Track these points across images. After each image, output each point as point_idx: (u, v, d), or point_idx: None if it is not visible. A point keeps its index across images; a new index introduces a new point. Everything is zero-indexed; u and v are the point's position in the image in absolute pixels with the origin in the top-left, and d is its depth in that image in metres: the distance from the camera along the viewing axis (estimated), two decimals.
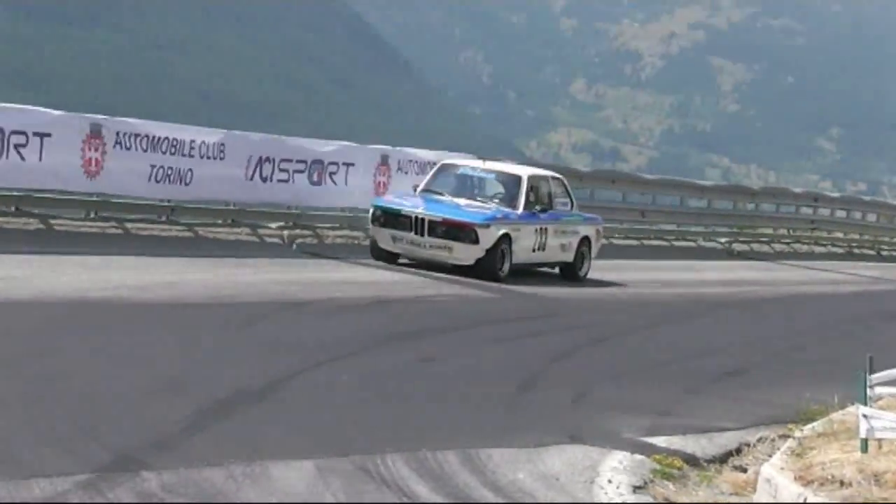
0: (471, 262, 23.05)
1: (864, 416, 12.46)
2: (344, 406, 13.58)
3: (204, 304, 18.50)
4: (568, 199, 26.12)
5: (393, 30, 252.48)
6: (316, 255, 26.28)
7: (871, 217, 49.66)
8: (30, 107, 25.11)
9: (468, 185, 24.82)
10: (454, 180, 24.93)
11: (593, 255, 26.47)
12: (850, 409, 13.40)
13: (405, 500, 10.42)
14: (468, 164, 26.14)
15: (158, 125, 25.93)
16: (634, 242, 36.82)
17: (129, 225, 25.17)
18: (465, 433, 12.84)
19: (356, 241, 28.11)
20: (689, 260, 36.29)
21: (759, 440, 14.78)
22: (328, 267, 25.13)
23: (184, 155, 25.79)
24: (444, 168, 25.53)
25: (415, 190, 25.13)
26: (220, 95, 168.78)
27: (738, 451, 14.43)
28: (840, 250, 45.02)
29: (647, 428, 14.53)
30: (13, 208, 24.11)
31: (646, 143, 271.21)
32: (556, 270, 25.61)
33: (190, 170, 25.85)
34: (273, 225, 27.89)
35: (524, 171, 25.42)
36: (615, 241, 36.05)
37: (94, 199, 24.96)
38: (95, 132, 24.86)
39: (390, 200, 24.40)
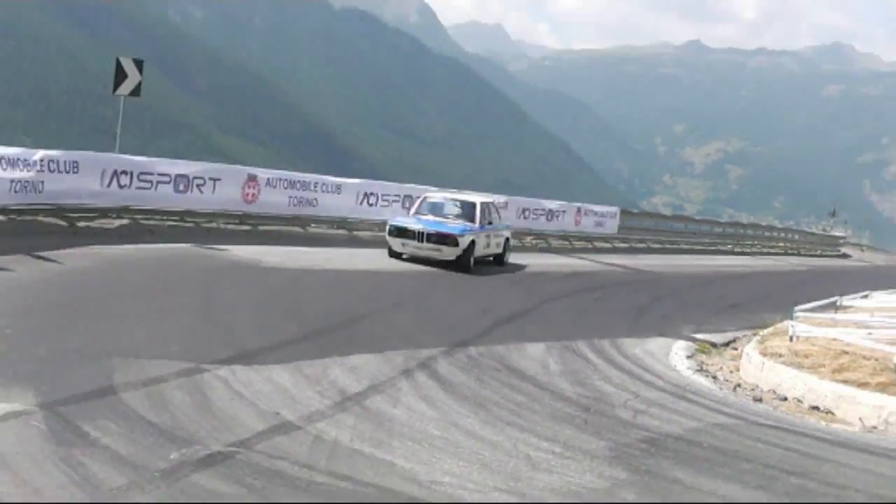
0: (453, 258, 17.58)
1: (792, 325, 12.19)
2: (558, 319, 13.44)
3: (494, 274, 18.28)
4: (498, 216, 20.02)
5: (578, 146, 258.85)
6: (545, 250, 25.84)
7: (797, 237, 48.41)
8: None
9: (443, 209, 18.93)
10: (433, 206, 19.11)
11: (510, 248, 20.38)
12: (786, 322, 12.81)
13: (584, 362, 10.24)
14: (441, 194, 20.18)
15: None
16: (689, 247, 35.69)
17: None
18: (612, 332, 12.65)
19: (568, 244, 27.71)
20: (714, 256, 35.00)
21: (743, 336, 14.21)
22: (551, 256, 24.41)
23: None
24: (427, 198, 19.55)
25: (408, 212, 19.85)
26: (498, 177, 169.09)
27: (734, 340, 13.92)
28: (782, 251, 43.07)
29: (694, 330, 14.14)
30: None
31: (696, 203, 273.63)
32: (492, 259, 19.61)
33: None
34: (528, 237, 26.32)
35: (478, 199, 19.57)
36: (683, 247, 35.04)
37: None
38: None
39: (400, 221, 18.32)
